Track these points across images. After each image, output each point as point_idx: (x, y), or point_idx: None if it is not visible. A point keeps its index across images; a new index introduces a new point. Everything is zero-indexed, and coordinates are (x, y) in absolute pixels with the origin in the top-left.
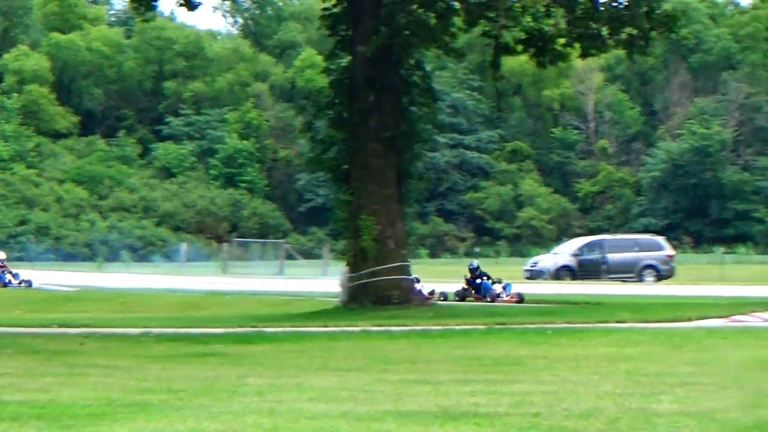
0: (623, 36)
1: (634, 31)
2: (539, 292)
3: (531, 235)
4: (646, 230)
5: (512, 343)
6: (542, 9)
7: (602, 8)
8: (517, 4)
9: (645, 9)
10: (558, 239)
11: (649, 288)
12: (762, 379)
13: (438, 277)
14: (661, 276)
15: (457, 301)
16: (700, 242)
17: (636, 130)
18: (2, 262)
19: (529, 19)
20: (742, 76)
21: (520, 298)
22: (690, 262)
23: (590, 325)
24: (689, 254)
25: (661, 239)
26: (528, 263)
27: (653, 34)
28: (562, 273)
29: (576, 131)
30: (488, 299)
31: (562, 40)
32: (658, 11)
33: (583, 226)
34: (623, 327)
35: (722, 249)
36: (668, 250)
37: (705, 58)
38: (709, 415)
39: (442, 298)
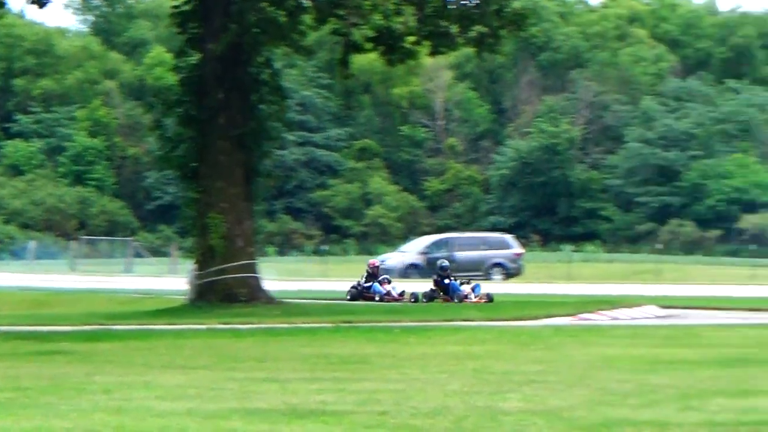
0: (473, 34)
1: (484, 30)
2: (506, 292)
3: (379, 233)
4: (494, 228)
5: (359, 341)
6: (392, 7)
7: (452, 6)
8: (367, 2)
9: (494, 7)
10: (406, 237)
11: (496, 286)
12: (608, 377)
13: (289, 276)
14: (509, 274)
15: (425, 302)
16: (549, 240)
17: (485, 128)
18: None
19: (378, 17)
20: (591, 74)
21: (489, 299)
22: (538, 261)
23: (438, 323)
24: (537, 252)
25: (509, 237)
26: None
27: (503, 32)
28: (410, 271)
29: (425, 129)
30: (456, 300)
31: (411, 38)
32: (507, 9)
33: (431, 224)
34: (471, 325)
35: (570, 247)
36: (516, 248)
37: (554, 56)
38: (555, 413)
39: (412, 300)
